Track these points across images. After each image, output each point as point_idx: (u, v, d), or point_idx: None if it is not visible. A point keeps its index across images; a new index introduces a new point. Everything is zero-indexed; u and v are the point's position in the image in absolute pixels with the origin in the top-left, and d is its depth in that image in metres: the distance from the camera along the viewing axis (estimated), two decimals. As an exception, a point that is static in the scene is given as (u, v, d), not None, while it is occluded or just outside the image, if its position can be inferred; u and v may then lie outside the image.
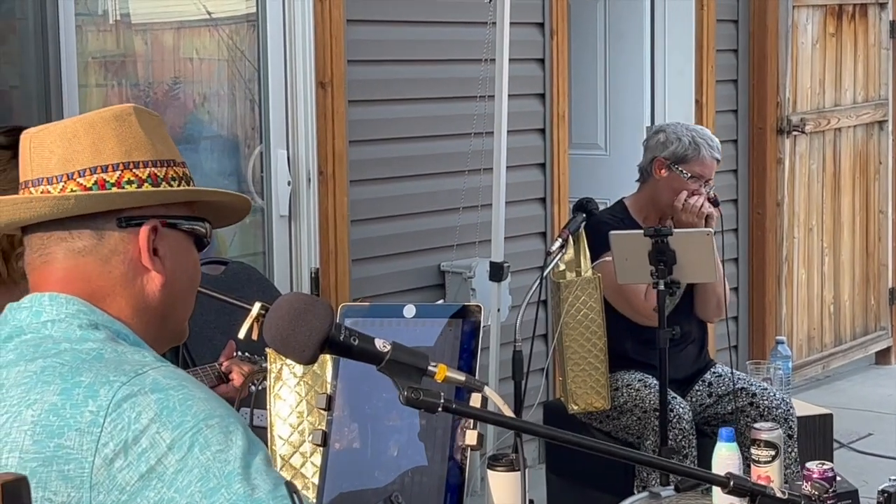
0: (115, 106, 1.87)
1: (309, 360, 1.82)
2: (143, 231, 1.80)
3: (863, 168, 7.50)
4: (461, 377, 1.87)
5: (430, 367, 1.83)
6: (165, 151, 1.85)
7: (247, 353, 3.06)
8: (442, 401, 1.81)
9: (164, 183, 1.82)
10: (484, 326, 5.37)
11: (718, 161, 4.57)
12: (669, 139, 4.51)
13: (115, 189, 1.79)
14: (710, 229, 4.34)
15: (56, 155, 1.80)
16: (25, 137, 1.85)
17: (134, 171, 1.80)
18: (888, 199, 7.66)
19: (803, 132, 6.96)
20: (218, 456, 1.62)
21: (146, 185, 1.81)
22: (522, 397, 4.29)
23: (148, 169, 1.81)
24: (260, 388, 2.83)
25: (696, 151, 4.48)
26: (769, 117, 6.80)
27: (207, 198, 1.89)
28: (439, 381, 1.84)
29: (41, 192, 1.80)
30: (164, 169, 1.83)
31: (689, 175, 4.47)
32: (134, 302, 1.81)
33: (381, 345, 1.82)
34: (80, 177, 1.79)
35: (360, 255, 5.02)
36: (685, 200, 4.44)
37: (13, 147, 2.79)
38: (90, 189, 1.78)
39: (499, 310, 4.78)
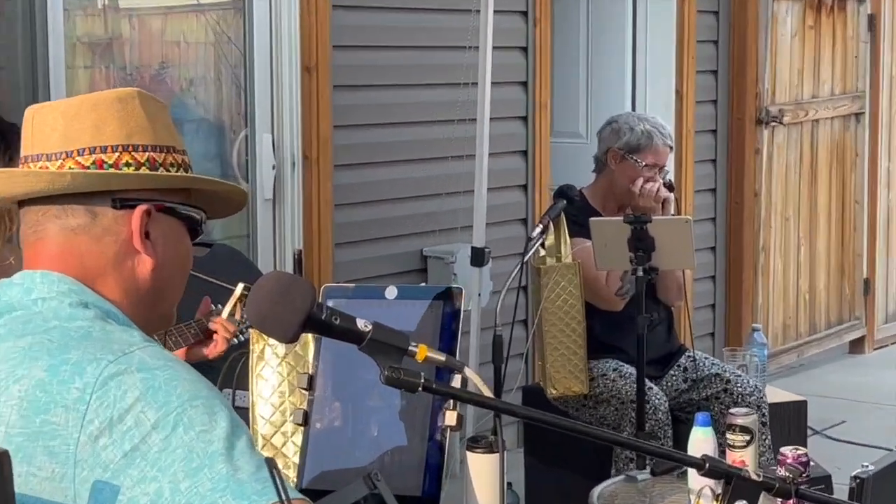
0: (120, 88, 1.86)
1: (291, 339, 1.81)
2: (137, 213, 1.79)
3: (839, 159, 7.51)
4: (441, 357, 1.86)
5: (410, 347, 1.83)
6: (166, 137, 1.84)
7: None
8: (422, 380, 1.80)
9: (161, 168, 1.82)
10: (465, 311, 5.36)
11: (671, 148, 4.64)
12: (622, 130, 4.57)
13: (112, 170, 1.78)
14: (689, 217, 4.37)
15: (57, 132, 1.79)
16: (29, 113, 1.84)
17: (133, 153, 1.80)
18: (864, 190, 7.68)
19: (781, 123, 6.97)
20: (202, 436, 1.61)
21: (144, 168, 1.80)
22: (502, 381, 4.29)
23: (147, 153, 1.81)
24: (241, 338, 2.81)
25: (649, 140, 4.54)
26: (748, 108, 6.80)
27: (204, 186, 1.89)
28: (420, 362, 1.84)
29: (39, 168, 1.79)
30: (164, 154, 1.82)
31: (644, 164, 4.52)
32: (124, 283, 1.80)
33: (362, 324, 1.81)
34: (79, 155, 1.78)
35: (344, 239, 5.01)
36: (642, 186, 4.48)
37: None
38: (88, 168, 1.78)
39: (479, 294, 4.80)
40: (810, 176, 7.30)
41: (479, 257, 4.73)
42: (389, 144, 5.19)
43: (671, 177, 4.70)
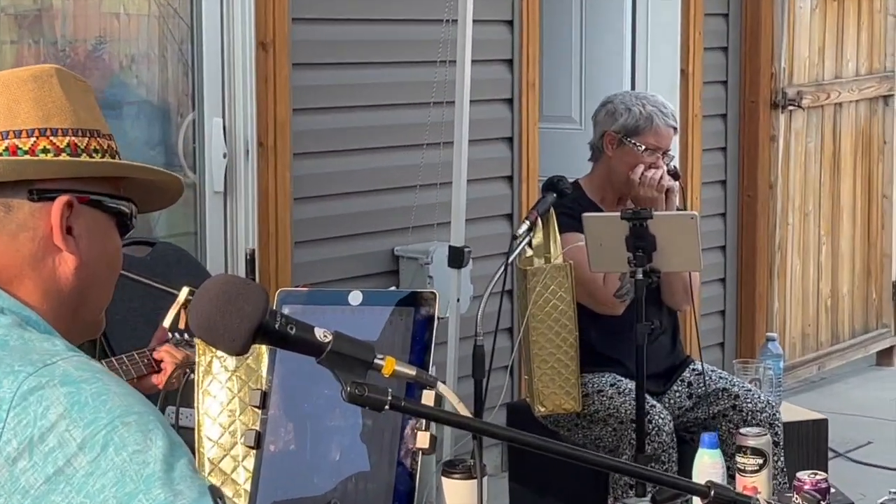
0: (34, 66, 1.86)
1: (240, 351, 1.82)
2: (57, 205, 1.78)
3: (865, 148, 7.53)
4: (412, 371, 1.88)
5: (376, 360, 1.84)
6: (89, 120, 1.84)
7: (185, 336, 3.04)
8: (389, 398, 1.81)
9: (84, 154, 1.81)
10: (441, 318, 5.35)
11: (676, 130, 4.65)
12: (618, 111, 4.59)
13: (27, 157, 1.78)
14: (695, 213, 4.38)
15: None
16: None
17: (51, 138, 1.79)
18: (893, 183, 7.70)
19: (800, 107, 6.98)
20: (135, 457, 1.60)
21: (64, 154, 1.79)
22: (483, 398, 4.29)
23: (67, 137, 1.80)
24: (193, 377, 2.83)
25: (649, 121, 4.56)
26: (762, 90, 6.81)
27: (133, 174, 1.88)
28: (387, 376, 1.85)
29: None
30: (86, 139, 1.82)
31: (644, 148, 4.53)
32: (44, 285, 1.80)
33: (321, 334, 1.82)
34: None
35: (304, 237, 5.01)
36: (642, 174, 4.49)
37: None
38: (0, 155, 1.77)
39: (458, 300, 4.79)
40: (832, 166, 7.32)
41: (457, 258, 4.74)
42: (356, 130, 5.18)
43: (676, 163, 4.70)
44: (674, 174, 4.55)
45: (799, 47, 7.00)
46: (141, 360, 3.21)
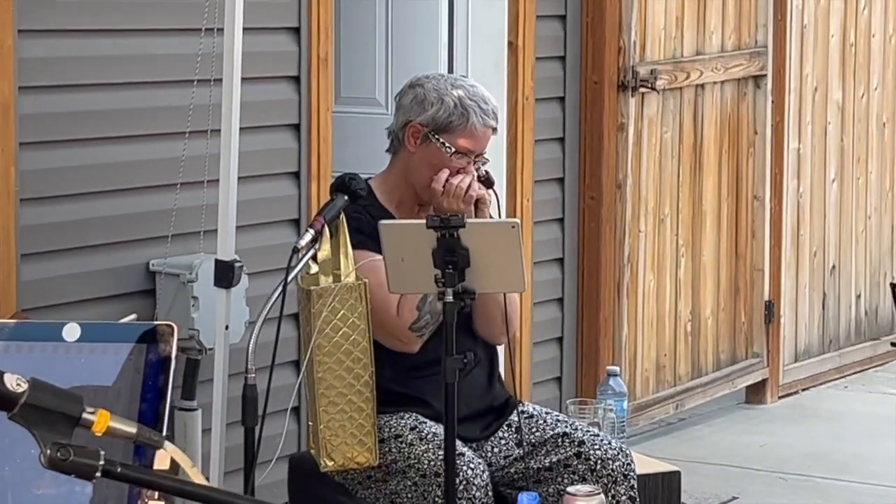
0: None
1: None
2: None
3: (733, 138, 7.64)
4: (131, 429, 1.87)
5: (84, 415, 1.82)
6: None
7: None
8: (101, 462, 1.80)
9: None
10: (209, 350, 5.29)
11: (495, 130, 4.67)
12: (428, 98, 4.61)
13: None
14: (516, 220, 4.40)
15: None
16: None
17: None
18: (765, 182, 7.83)
19: (654, 89, 7.06)
20: None
21: None
22: (256, 449, 4.26)
23: None
24: None
25: (464, 119, 4.58)
26: (608, 68, 6.88)
27: None
28: (99, 435, 1.84)
29: None
30: None
31: (454, 150, 4.56)
32: None
33: (12, 382, 1.80)
34: None
35: (34, 249, 4.95)
36: (446, 181, 4.51)
37: None
38: None
39: (227, 327, 4.76)
40: (693, 161, 7.42)
41: (225, 274, 4.72)
42: (101, 114, 5.14)
43: (492, 165, 4.75)
44: (486, 181, 4.59)
45: (653, 16, 7.08)
46: None
